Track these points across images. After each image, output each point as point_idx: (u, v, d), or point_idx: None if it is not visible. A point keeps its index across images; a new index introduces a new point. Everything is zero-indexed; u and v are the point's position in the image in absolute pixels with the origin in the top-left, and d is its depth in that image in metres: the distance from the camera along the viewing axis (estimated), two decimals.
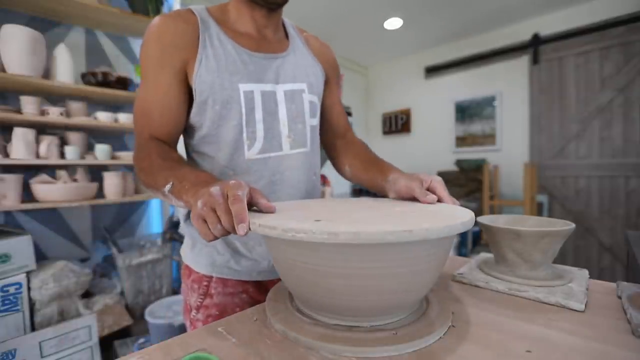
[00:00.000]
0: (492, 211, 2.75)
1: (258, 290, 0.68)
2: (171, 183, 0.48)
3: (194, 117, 0.62)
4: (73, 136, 1.66)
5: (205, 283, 0.66)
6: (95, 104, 1.82)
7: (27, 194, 1.51)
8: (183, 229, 0.70)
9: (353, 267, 0.35)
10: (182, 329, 1.44)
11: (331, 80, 0.77)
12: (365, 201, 0.56)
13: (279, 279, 0.65)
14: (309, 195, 0.71)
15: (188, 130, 0.65)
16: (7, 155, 1.45)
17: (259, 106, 0.62)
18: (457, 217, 0.39)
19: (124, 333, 1.56)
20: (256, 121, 0.62)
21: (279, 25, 0.70)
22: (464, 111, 3.22)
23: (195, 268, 0.68)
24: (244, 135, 0.62)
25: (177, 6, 1.92)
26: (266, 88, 0.63)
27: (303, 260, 0.37)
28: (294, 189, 0.67)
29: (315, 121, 0.72)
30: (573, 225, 0.52)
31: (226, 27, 0.64)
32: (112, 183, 1.69)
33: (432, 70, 3.43)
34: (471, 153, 3.17)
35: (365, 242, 0.32)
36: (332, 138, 0.80)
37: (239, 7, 0.65)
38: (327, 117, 0.78)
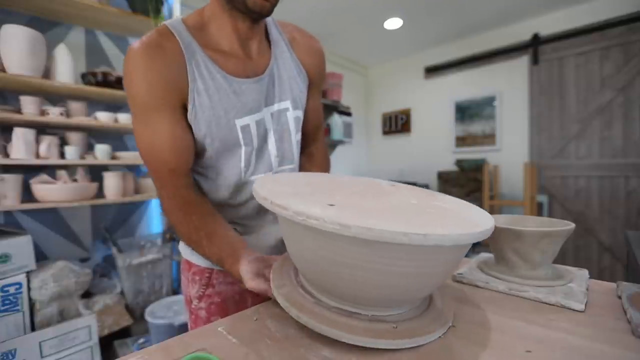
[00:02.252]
0: (492, 211, 2.75)
1: None
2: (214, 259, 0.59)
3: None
4: (73, 136, 1.66)
5: (207, 274, 0.69)
6: (95, 104, 1.82)
7: (27, 194, 1.51)
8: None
9: (360, 259, 0.35)
10: (182, 329, 1.43)
11: (313, 85, 0.73)
12: (379, 184, 0.53)
13: None
14: None
15: None
16: (7, 155, 1.45)
17: (254, 136, 0.63)
18: (477, 223, 0.37)
19: (124, 333, 1.56)
20: (254, 150, 0.64)
21: (259, 33, 0.64)
22: (464, 111, 3.22)
23: (196, 262, 0.70)
24: (242, 163, 0.64)
25: (176, 7, 1.92)
26: (259, 117, 0.63)
27: (311, 243, 0.37)
28: None
29: (300, 135, 0.72)
30: (573, 225, 0.52)
31: (208, 47, 0.59)
32: (112, 183, 1.69)
33: (432, 70, 3.43)
34: (471, 153, 3.17)
35: (376, 240, 0.31)
36: (303, 135, 0.77)
37: (219, 17, 0.59)
38: (305, 116, 0.74)
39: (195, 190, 0.62)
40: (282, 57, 0.67)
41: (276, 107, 0.65)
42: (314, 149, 0.81)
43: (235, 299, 0.69)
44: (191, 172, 0.63)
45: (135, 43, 0.55)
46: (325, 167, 0.81)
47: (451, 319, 0.43)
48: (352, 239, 0.33)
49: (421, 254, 0.34)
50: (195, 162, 0.63)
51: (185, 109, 0.57)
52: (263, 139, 0.65)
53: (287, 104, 0.67)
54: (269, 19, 0.68)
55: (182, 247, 0.73)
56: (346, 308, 0.41)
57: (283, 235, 0.44)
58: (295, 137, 0.70)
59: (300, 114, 0.70)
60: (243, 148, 0.62)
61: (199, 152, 0.62)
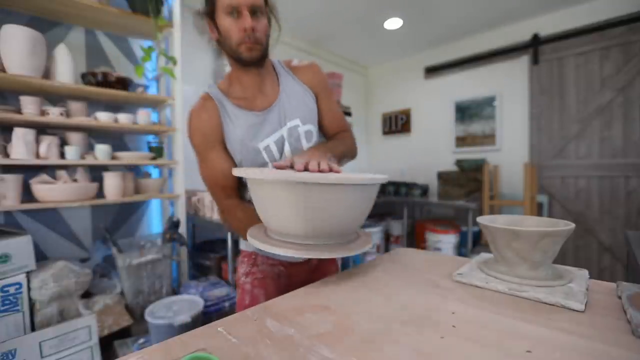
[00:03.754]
0: (492, 211, 2.75)
1: (290, 267, 0.90)
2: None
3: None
4: (73, 136, 1.66)
5: (253, 257, 0.91)
6: (95, 104, 1.82)
7: (27, 194, 1.51)
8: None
9: (291, 199, 0.53)
10: (182, 329, 1.43)
11: (321, 94, 0.90)
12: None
13: (305, 261, 0.90)
14: None
15: None
16: (7, 155, 1.45)
17: (275, 152, 0.82)
18: (372, 178, 0.57)
19: (124, 333, 1.56)
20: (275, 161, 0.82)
21: (268, 75, 0.85)
22: (464, 111, 3.22)
23: (245, 248, 0.93)
24: None
25: (176, 7, 1.93)
26: (277, 136, 0.82)
27: (260, 194, 0.58)
28: None
29: (312, 143, 0.87)
30: (573, 225, 0.52)
31: (234, 98, 0.82)
32: (112, 183, 1.69)
33: (432, 70, 3.43)
34: (471, 153, 3.17)
35: (297, 181, 0.51)
36: (327, 137, 0.95)
37: (235, 77, 0.83)
38: (323, 122, 0.92)
39: (238, 198, 0.85)
40: (288, 85, 0.86)
41: (289, 124, 0.83)
42: (341, 134, 0.95)
43: (273, 277, 0.88)
44: (237, 185, 0.85)
45: (192, 107, 0.82)
46: (343, 137, 0.92)
47: (368, 246, 0.62)
48: (284, 184, 0.53)
49: (325, 193, 0.52)
50: (240, 179, 0.84)
51: (225, 144, 0.82)
52: (281, 152, 0.84)
53: (297, 121, 0.84)
54: (275, 61, 0.88)
55: (240, 241, 0.96)
56: (289, 240, 0.59)
57: (253, 200, 0.63)
58: (306, 147, 0.86)
59: (311, 127, 0.86)
60: (269, 164, 0.82)
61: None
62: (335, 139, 0.91)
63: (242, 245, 0.95)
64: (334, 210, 0.55)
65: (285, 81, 0.86)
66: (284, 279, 0.89)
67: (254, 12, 0.72)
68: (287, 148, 0.83)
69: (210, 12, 0.75)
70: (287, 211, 0.55)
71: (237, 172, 0.61)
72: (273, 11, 0.80)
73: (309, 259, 0.91)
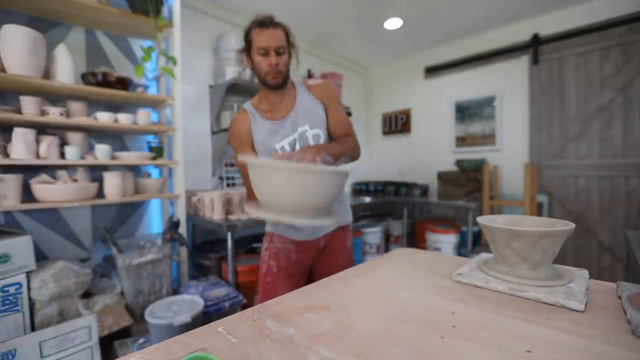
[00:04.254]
0: (492, 211, 2.75)
1: (300, 246, 1.13)
2: None
3: None
4: (73, 136, 1.66)
5: (270, 236, 1.17)
6: (95, 104, 1.82)
7: (27, 194, 1.51)
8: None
9: (278, 183, 0.68)
10: (182, 329, 1.43)
11: (329, 105, 1.12)
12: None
13: (313, 240, 1.13)
14: None
15: None
16: (7, 155, 1.45)
17: (289, 151, 1.04)
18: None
19: (124, 333, 1.56)
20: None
21: (288, 92, 1.10)
22: (464, 111, 3.22)
23: (268, 230, 1.19)
24: None
25: (176, 7, 1.93)
26: (291, 138, 1.06)
27: (258, 178, 0.71)
28: None
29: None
30: (573, 225, 0.52)
31: (262, 110, 1.10)
32: (112, 183, 1.69)
33: (432, 71, 3.43)
34: (471, 153, 3.17)
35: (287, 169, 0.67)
36: (334, 140, 1.14)
37: (263, 96, 1.10)
38: (330, 127, 1.12)
39: None
40: (303, 100, 1.09)
41: (300, 129, 1.06)
42: (343, 138, 1.13)
43: (285, 252, 1.13)
44: None
45: (233, 118, 1.16)
46: (345, 139, 1.10)
47: (336, 217, 0.81)
48: (275, 169, 0.68)
49: (304, 179, 0.66)
50: None
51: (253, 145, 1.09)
52: (294, 150, 1.05)
53: (306, 127, 1.06)
54: (295, 81, 1.13)
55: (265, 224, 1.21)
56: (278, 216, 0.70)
57: (252, 183, 0.74)
58: None
59: (319, 131, 1.07)
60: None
61: None
62: (337, 141, 1.09)
63: (267, 228, 1.20)
64: (304, 190, 0.68)
65: (301, 96, 1.10)
66: (294, 254, 1.13)
67: (278, 52, 0.99)
68: (297, 147, 1.05)
69: (247, 49, 1.03)
70: (274, 189, 0.70)
71: (240, 157, 0.81)
72: (294, 48, 1.06)
73: (317, 240, 1.13)
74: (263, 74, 1.01)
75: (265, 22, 0.98)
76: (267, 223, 1.20)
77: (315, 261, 1.18)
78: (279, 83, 1.03)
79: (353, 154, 1.09)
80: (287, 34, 1.03)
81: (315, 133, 1.06)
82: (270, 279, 1.14)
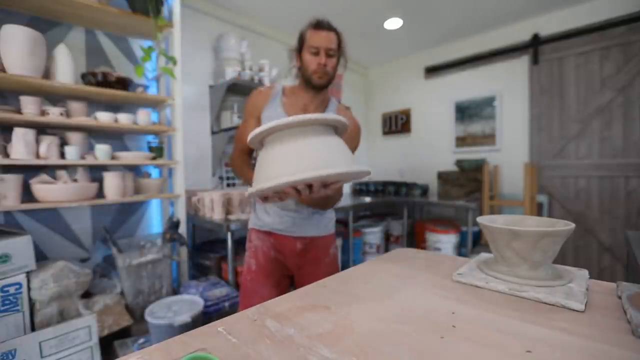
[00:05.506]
0: (492, 211, 2.75)
1: (277, 240, 1.11)
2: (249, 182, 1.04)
3: None
4: (73, 136, 1.66)
5: (249, 234, 1.17)
6: (95, 104, 1.82)
7: (27, 194, 1.51)
8: (252, 213, 1.19)
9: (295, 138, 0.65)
10: (182, 329, 1.43)
11: (345, 137, 1.07)
12: None
13: (290, 236, 1.10)
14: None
15: None
16: (7, 155, 1.45)
17: None
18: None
19: (124, 333, 1.56)
20: None
21: (321, 100, 1.10)
22: (464, 111, 3.22)
23: (251, 226, 1.18)
24: None
25: (176, 7, 1.93)
26: None
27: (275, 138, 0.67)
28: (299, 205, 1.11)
29: None
30: (573, 226, 0.52)
31: (287, 100, 1.08)
32: (112, 183, 1.69)
33: (432, 70, 3.43)
34: (471, 153, 3.17)
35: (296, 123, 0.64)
36: None
37: (298, 89, 1.09)
38: None
39: (247, 157, 1.12)
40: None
41: None
42: None
43: (264, 249, 1.12)
44: (251, 155, 1.14)
45: (259, 88, 1.12)
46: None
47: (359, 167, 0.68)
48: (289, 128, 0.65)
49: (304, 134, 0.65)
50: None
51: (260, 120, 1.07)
52: None
53: None
54: (334, 101, 1.15)
55: (250, 220, 1.19)
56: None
57: (259, 159, 0.71)
58: None
59: None
60: None
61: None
62: None
63: (250, 224, 1.19)
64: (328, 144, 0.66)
65: (328, 111, 1.11)
66: (273, 252, 1.12)
67: (328, 54, 1.02)
68: None
69: (299, 49, 1.05)
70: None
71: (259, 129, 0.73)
72: (343, 53, 1.09)
73: (294, 240, 1.10)
74: (310, 72, 1.02)
75: (321, 24, 1.03)
76: (251, 219, 1.18)
77: (298, 268, 1.14)
78: (323, 84, 1.04)
79: (338, 201, 1.11)
80: (339, 40, 1.06)
81: None
82: (250, 277, 1.12)
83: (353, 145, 1.10)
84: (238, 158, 1.12)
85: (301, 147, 0.64)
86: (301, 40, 1.05)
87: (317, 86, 1.03)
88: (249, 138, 0.69)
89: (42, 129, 1.61)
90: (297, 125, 0.64)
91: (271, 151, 0.66)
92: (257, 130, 0.66)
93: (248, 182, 1.07)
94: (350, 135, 1.07)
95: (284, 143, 0.65)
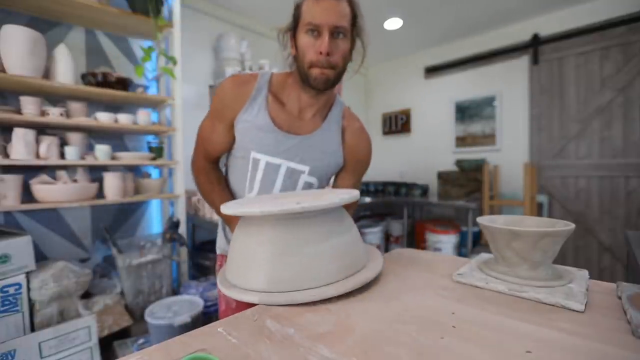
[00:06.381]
0: (492, 211, 2.75)
1: None
2: (215, 209, 0.85)
3: (229, 152, 0.85)
4: (73, 136, 1.66)
5: (222, 260, 0.89)
6: (95, 104, 1.82)
7: (27, 194, 1.51)
8: (219, 234, 0.93)
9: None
10: (182, 329, 1.43)
11: (348, 168, 0.85)
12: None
13: None
14: None
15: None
16: (7, 155, 1.45)
17: (261, 170, 0.79)
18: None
19: (123, 333, 1.56)
20: (256, 180, 0.80)
21: (323, 107, 0.80)
22: (464, 111, 3.22)
23: (220, 252, 0.91)
24: (247, 183, 0.81)
25: (176, 7, 1.93)
26: (273, 160, 0.77)
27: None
28: None
29: None
30: (573, 226, 0.52)
31: (276, 97, 0.77)
32: (112, 183, 1.69)
33: (432, 70, 3.43)
34: (471, 153, 3.17)
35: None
36: None
37: (293, 85, 0.76)
38: (333, 184, 0.90)
39: (215, 168, 0.86)
40: (328, 133, 0.80)
41: (293, 165, 0.78)
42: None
43: None
44: (218, 162, 0.87)
45: (234, 74, 0.79)
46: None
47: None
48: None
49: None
50: (228, 161, 0.86)
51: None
52: (269, 181, 0.79)
53: (305, 167, 0.79)
54: (339, 102, 0.85)
55: (217, 243, 0.92)
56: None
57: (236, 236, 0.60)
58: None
59: (314, 180, 0.81)
60: (249, 173, 0.80)
61: (232, 157, 0.84)
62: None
63: (218, 250, 0.92)
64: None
65: (329, 127, 0.80)
66: None
67: (336, 33, 0.67)
68: (278, 184, 0.79)
69: (293, 28, 0.72)
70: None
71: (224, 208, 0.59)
72: (360, 34, 0.74)
73: None
74: (307, 64, 0.68)
75: None
76: (221, 243, 0.91)
77: None
78: (325, 86, 0.70)
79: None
80: (354, 12, 0.71)
81: (309, 181, 0.81)
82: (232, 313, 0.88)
83: (354, 178, 0.87)
84: (202, 172, 0.84)
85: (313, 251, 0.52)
86: (297, 15, 0.71)
87: (315, 88, 0.71)
88: (223, 209, 0.56)
89: (42, 129, 1.61)
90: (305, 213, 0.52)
91: (261, 245, 0.53)
92: (243, 210, 0.51)
93: (214, 207, 0.84)
94: (353, 163, 0.84)
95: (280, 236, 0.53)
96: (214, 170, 0.85)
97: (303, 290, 0.51)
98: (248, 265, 0.54)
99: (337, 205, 0.53)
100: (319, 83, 0.70)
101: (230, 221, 0.82)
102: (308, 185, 0.81)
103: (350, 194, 0.56)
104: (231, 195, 0.85)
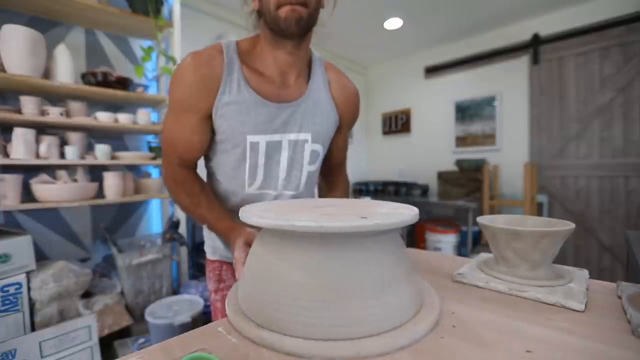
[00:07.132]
0: (492, 211, 2.75)
1: None
2: (207, 225, 0.71)
3: (210, 149, 0.72)
4: (73, 136, 1.66)
5: (217, 271, 0.78)
6: (95, 104, 1.82)
7: (27, 194, 1.51)
8: (206, 234, 0.83)
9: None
10: (182, 328, 1.43)
11: (343, 125, 0.80)
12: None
13: None
14: None
15: (206, 154, 0.74)
16: (7, 155, 1.45)
17: (262, 154, 0.68)
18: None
19: (124, 333, 1.56)
20: (258, 166, 0.69)
21: (303, 66, 0.71)
22: (464, 111, 3.22)
23: (211, 258, 0.80)
24: (246, 175, 0.70)
25: (176, 7, 1.93)
26: (272, 138, 0.68)
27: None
28: None
29: (315, 167, 0.76)
30: (573, 226, 0.52)
31: (250, 68, 0.66)
32: (112, 183, 1.69)
33: (432, 70, 3.43)
34: (471, 153, 3.17)
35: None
36: (326, 167, 0.86)
37: (265, 46, 0.66)
38: (330, 151, 0.83)
39: (193, 176, 0.72)
40: (318, 92, 0.72)
41: (294, 136, 0.69)
42: (337, 179, 0.90)
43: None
44: (195, 167, 0.74)
45: (192, 52, 0.63)
46: (344, 195, 0.89)
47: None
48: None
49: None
50: (212, 160, 0.73)
51: (211, 116, 0.65)
52: (272, 160, 0.70)
53: (307, 135, 0.70)
54: (316, 57, 0.75)
55: (206, 246, 0.82)
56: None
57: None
58: (307, 168, 0.74)
59: (318, 147, 0.74)
60: (247, 162, 0.68)
61: (217, 152, 0.71)
62: (338, 188, 0.87)
63: (208, 254, 0.81)
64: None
65: (317, 87, 0.72)
66: None
67: None
68: (283, 161, 0.70)
69: None
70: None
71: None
72: None
73: None
74: (272, 7, 0.58)
75: None
76: (209, 246, 0.80)
77: None
78: (298, 27, 0.59)
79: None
80: None
81: (314, 149, 0.72)
82: None
83: (348, 131, 0.83)
84: (180, 185, 0.69)
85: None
86: None
87: (287, 29, 0.59)
88: (242, 214, 0.42)
89: (42, 129, 1.61)
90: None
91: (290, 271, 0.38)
92: (270, 223, 0.36)
93: (206, 223, 0.70)
94: (348, 115, 0.79)
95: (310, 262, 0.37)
96: (192, 180, 0.70)
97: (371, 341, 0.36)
98: (290, 303, 0.37)
99: (412, 222, 0.39)
100: (290, 24, 0.58)
101: (229, 229, 0.65)
102: (315, 155, 0.73)
103: (411, 210, 0.43)
104: (222, 204, 0.74)
